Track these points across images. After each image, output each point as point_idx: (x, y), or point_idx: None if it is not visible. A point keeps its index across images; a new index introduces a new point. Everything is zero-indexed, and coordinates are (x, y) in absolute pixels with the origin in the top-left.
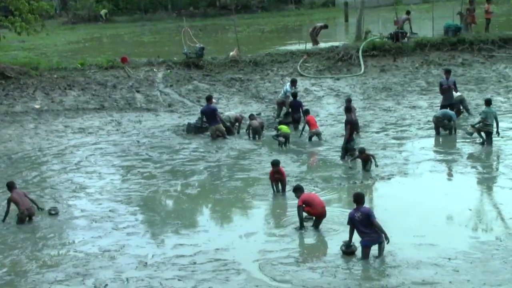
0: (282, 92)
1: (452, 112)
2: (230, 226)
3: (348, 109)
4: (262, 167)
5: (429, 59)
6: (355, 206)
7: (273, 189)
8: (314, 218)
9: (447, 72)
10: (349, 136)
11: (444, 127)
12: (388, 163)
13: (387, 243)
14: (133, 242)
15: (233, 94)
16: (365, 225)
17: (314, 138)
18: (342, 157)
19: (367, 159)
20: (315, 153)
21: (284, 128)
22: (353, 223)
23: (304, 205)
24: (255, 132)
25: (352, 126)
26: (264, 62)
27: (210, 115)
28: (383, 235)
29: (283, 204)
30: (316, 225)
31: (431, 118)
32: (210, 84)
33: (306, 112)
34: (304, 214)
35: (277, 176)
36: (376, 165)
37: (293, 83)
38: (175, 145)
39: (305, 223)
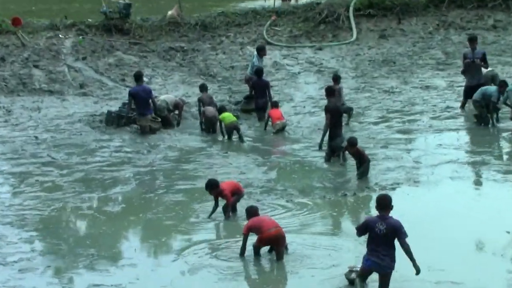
0: (250, 66)
1: (493, 88)
2: (169, 258)
3: (330, 92)
4: (213, 174)
5: (448, 21)
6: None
7: (212, 210)
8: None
9: (472, 40)
10: (330, 127)
11: (481, 116)
12: (392, 166)
13: (417, 274)
14: (29, 282)
15: (173, 71)
16: (385, 244)
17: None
18: (327, 160)
19: (360, 156)
20: (287, 153)
21: (227, 117)
22: (369, 234)
23: (252, 232)
24: (211, 123)
25: (334, 115)
26: (216, 25)
27: (143, 99)
28: (412, 263)
29: (239, 228)
30: (278, 257)
31: (450, 103)
32: (139, 56)
33: (274, 104)
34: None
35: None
36: (360, 174)
37: (261, 51)
38: (89, 143)
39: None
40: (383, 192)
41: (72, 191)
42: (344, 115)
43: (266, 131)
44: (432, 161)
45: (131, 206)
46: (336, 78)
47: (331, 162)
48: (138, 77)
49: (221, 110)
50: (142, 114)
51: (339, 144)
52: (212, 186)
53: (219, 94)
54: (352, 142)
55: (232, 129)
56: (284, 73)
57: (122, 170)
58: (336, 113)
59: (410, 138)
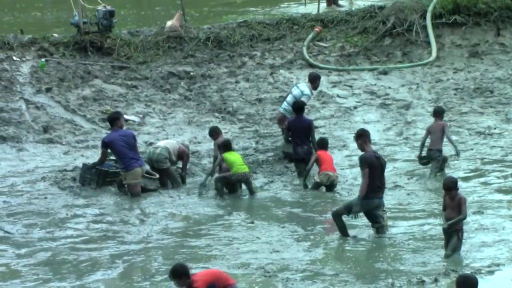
0: (290, 99)
1: None
2: None
3: (362, 135)
4: (234, 252)
5: None
6: None
7: None
8: None
9: None
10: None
11: None
12: (489, 241)
13: None
14: None
15: (175, 106)
16: None
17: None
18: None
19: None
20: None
21: (237, 162)
22: None
23: None
24: (228, 182)
25: (374, 168)
26: (235, 40)
27: (124, 147)
28: None
29: None
30: None
31: None
32: (127, 86)
33: (322, 144)
34: None
35: None
36: (452, 249)
37: (315, 80)
38: (58, 210)
39: None
40: (477, 276)
41: (34, 279)
42: None
43: (305, 187)
44: None
45: None
46: (440, 113)
47: (382, 233)
48: (112, 120)
49: (226, 147)
50: (128, 167)
51: (375, 209)
52: (176, 274)
53: (241, 138)
54: (448, 185)
55: (241, 182)
56: (333, 108)
57: (104, 249)
58: (377, 166)
59: None
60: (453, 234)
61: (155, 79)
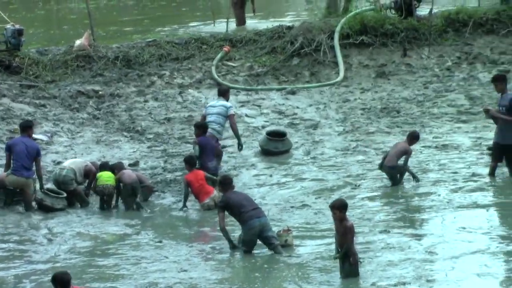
0: (217, 116)
1: None
2: None
3: (225, 184)
4: (142, 271)
5: (473, 52)
6: None
7: None
8: None
9: (498, 80)
10: (239, 221)
11: None
12: (395, 259)
13: None
14: None
15: (83, 125)
16: None
17: None
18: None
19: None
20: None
21: (104, 176)
22: None
23: None
24: (131, 194)
25: (233, 211)
26: (144, 59)
27: (22, 152)
28: None
29: None
30: None
31: (478, 169)
32: (35, 105)
33: (191, 163)
34: None
35: None
36: (345, 273)
37: (225, 93)
38: None
39: None
40: None
41: None
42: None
43: (183, 210)
44: (451, 251)
45: None
46: (414, 136)
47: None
48: (23, 127)
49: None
50: (14, 171)
51: (263, 232)
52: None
53: (150, 158)
54: (333, 204)
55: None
56: (242, 127)
57: (11, 268)
58: (237, 197)
59: (421, 219)
60: (344, 259)
61: (63, 98)
